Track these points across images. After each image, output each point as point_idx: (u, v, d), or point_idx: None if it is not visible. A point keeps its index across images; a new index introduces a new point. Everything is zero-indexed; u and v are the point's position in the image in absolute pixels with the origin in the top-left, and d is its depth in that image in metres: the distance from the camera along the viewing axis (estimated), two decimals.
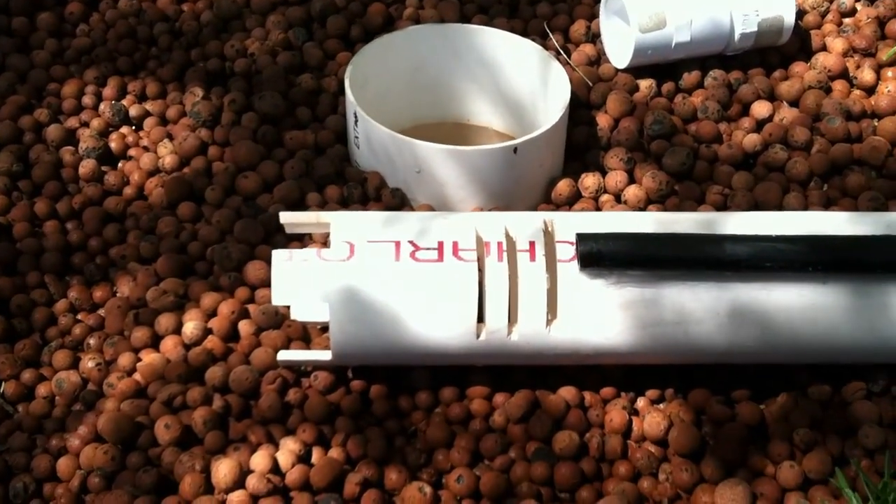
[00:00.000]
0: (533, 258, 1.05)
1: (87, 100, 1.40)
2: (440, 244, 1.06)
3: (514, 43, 1.36)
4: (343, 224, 1.08)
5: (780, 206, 1.26)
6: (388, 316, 1.04)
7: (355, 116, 1.26)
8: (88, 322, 1.18)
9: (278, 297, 1.07)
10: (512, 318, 1.05)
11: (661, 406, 1.12)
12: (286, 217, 1.10)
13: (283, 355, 1.09)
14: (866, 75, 1.42)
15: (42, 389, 1.12)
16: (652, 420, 1.08)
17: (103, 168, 1.33)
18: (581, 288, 1.04)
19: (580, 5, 1.51)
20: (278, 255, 1.07)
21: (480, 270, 1.05)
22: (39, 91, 1.42)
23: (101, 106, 1.39)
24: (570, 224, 1.07)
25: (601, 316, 1.05)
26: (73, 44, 1.47)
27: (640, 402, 1.12)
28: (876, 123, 1.38)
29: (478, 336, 1.05)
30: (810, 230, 1.07)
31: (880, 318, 1.06)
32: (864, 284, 1.05)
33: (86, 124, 1.38)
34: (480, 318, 1.05)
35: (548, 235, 1.06)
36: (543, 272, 1.04)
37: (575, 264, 1.04)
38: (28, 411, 1.11)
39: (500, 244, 1.05)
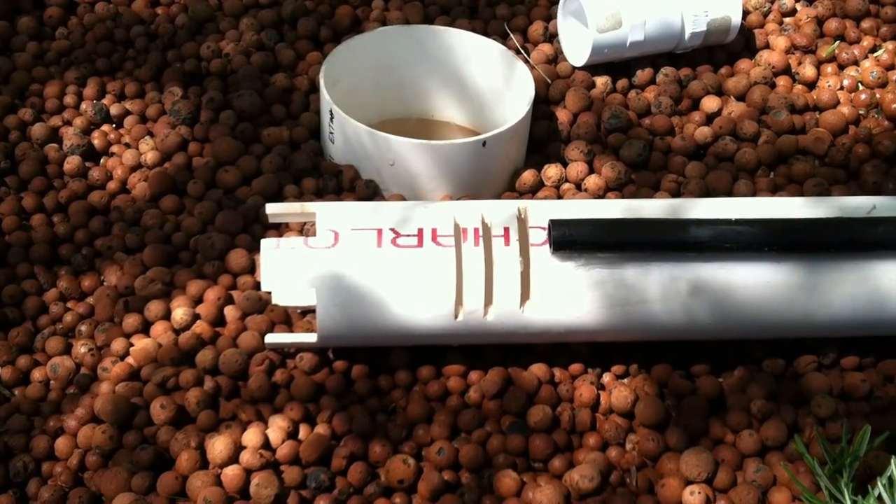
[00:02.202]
0: (507, 243, 1.07)
1: (69, 99, 1.42)
2: (420, 231, 1.08)
3: (478, 43, 1.40)
4: (328, 213, 1.10)
5: (730, 193, 1.30)
6: (372, 299, 1.06)
7: (331, 113, 1.29)
8: (78, 310, 1.20)
9: (267, 282, 1.09)
10: (487, 300, 1.07)
11: (626, 381, 1.14)
12: (272, 208, 1.13)
13: (271, 338, 1.11)
14: (808, 71, 1.47)
15: (37, 374, 1.14)
16: (619, 394, 1.11)
17: (87, 164, 1.36)
18: (552, 270, 1.07)
19: (537, 7, 1.55)
20: (266, 244, 1.10)
21: (458, 255, 1.07)
22: (22, 91, 1.44)
23: (83, 105, 1.41)
24: (543, 211, 1.10)
25: (571, 296, 1.07)
26: (53, 46, 1.50)
27: (607, 378, 1.14)
28: (818, 116, 1.42)
29: (456, 317, 1.07)
30: (767, 214, 1.10)
31: (831, 294, 1.09)
32: (816, 263, 1.09)
33: (68, 123, 1.40)
34: (458, 300, 1.07)
35: (521, 222, 1.09)
36: (517, 256, 1.07)
37: (547, 248, 1.07)
38: (25, 395, 1.13)
39: (476, 230, 1.08)
